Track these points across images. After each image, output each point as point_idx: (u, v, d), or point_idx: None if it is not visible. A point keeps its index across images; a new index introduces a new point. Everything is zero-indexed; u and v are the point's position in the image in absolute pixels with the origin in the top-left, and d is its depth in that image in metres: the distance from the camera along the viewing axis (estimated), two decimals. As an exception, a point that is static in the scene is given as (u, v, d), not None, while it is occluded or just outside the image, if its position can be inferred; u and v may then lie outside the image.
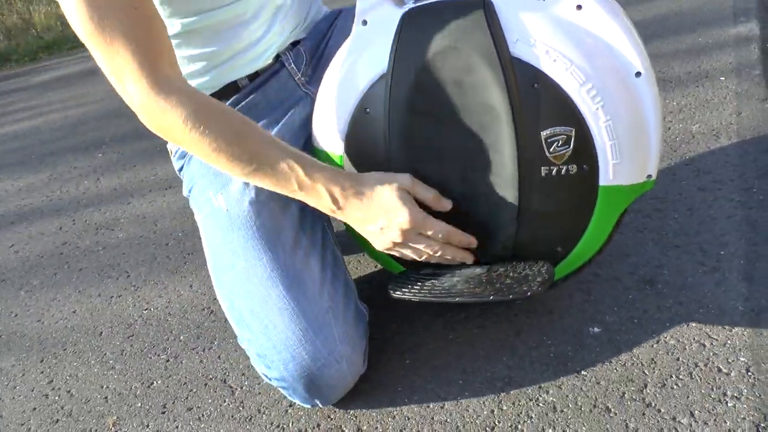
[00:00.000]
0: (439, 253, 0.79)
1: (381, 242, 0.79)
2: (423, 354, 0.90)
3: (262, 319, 0.80)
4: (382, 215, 0.76)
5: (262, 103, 0.94)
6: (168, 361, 1.02)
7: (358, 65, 0.82)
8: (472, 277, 0.81)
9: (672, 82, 1.57)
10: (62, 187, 1.92)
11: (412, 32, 0.77)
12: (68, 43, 4.88)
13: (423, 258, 0.81)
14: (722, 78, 1.53)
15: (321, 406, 0.83)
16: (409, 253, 0.80)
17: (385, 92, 0.80)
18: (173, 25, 0.86)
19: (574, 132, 0.74)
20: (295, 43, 0.97)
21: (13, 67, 4.63)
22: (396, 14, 0.79)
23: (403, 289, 0.82)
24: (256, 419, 0.86)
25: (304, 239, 0.84)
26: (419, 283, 0.83)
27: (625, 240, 1.04)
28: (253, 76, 0.94)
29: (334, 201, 0.76)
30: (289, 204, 0.85)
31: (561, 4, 0.71)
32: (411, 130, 0.80)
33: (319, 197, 0.76)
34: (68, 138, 2.41)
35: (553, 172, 0.76)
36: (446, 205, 0.79)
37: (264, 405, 0.88)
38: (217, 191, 0.88)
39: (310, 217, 0.87)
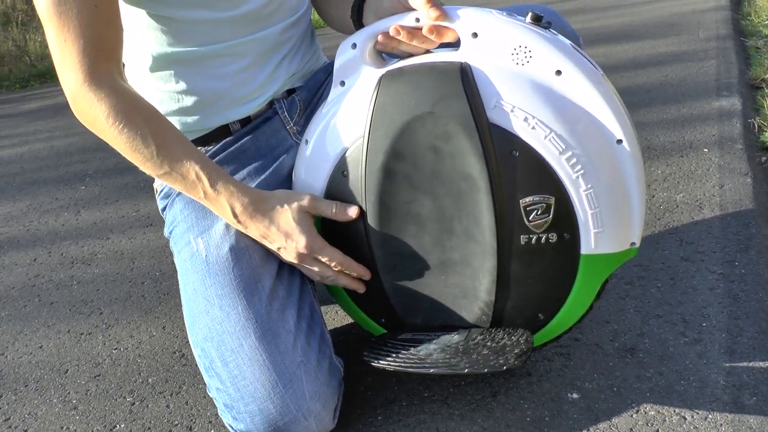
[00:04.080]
0: (330, 279, 0.83)
1: (281, 258, 0.83)
2: (396, 410, 0.88)
3: (232, 369, 0.77)
4: (280, 237, 0.80)
5: (252, 149, 0.94)
6: (134, 404, 0.99)
7: (337, 127, 0.82)
8: (449, 346, 0.80)
9: (657, 151, 1.60)
10: (41, 217, 1.89)
11: (389, 96, 0.77)
12: (61, 74, 4.88)
13: (317, 280, 0.85)
14: (705, 150, 1.55)
15: (288, 461, 0.79)
16: (305, 272, 0.85)
17: (362, 156, 0.80)
18: (168, 54, 0.86)
19: (553, 200, 0.74)
20: (290, 91, 0.97)
21: (3, 93, 4.62)
22: (373, 76, 0.79)
23: (379, 358, 0.81)
24: (220, 472, 0.83)
25: (282, 290, 0.83)
26: (395, 351, 0.82)
27: (607, 306, 1.03)
28: (245, 122, 0.94)
29: (235, 216, 0.80)
30: (269, 254, 0.84)
31: (540, 69, 0.72)
32: (387, 196, 0.80)
33: (222, 209, 0.81)
34: (51, 168, 2.39)
35: (533, 240, 0.76)
36: (351, 213, 0.81)
37: (229, 457, 0.85)
38: (197, 235, 0.86)
39: (290, 267, 0.86)
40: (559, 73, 0.71)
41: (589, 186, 0.72)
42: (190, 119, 0.91)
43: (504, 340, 0.79)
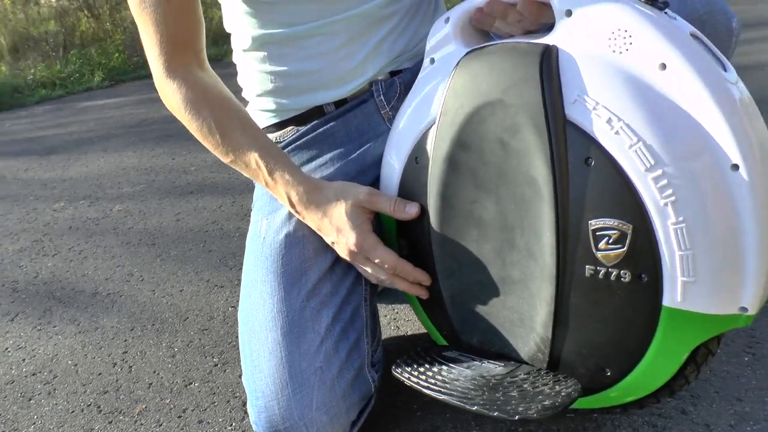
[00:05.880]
0: (386, 282, 0.77)
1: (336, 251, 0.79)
2: (437, 444, 0.78)
3: (254, 358, 0.75)
4: (333, 232, 0.76)
5: (341, 132, 0.89)
6: (216, 366, 1.03)
7: (418, 108, 0.74)
8: (483, 376, 0.69)
9: None
10: (243, 168, 2.06)
11: (463, 78, 0.66)
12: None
13: (373, 281, 0.79)
14: None
15: (291, 467, 0.76)
16: (361, 272, 0.79)
17: (432, 143, 0.71)
18: (260, 36, 0.85)
19: (630, 229, 0.57)
20: (394, 72, 0.90)
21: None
22: (457, 55, 0.69)
23: (404, 368, 0.73)
24: (242, 457, 0.82)
25: (327, 287, 0.78)
26: (426, 365, 0.73)
27: (748, 379, 0.80)
28: (341, 103, 0.89)
29: (292, 205, 0.78)
30: (326, 247, 0.80)
31: (640, 60, 0.56)
32: (451, 191, 0.70)
33: (281, 197, 0.79)
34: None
35: (600, 274, 0.60)
36: (411, 211, 0.74)
37: (259, 444, 0.84)
38: (264, 216, 0.85)
39: (347, 265, 0.80)
40: (663, 67, 0.55)
41: (681, 219, 0.55)
42: (284, 100, 0.89)
43: (544, 387, 0.65)
